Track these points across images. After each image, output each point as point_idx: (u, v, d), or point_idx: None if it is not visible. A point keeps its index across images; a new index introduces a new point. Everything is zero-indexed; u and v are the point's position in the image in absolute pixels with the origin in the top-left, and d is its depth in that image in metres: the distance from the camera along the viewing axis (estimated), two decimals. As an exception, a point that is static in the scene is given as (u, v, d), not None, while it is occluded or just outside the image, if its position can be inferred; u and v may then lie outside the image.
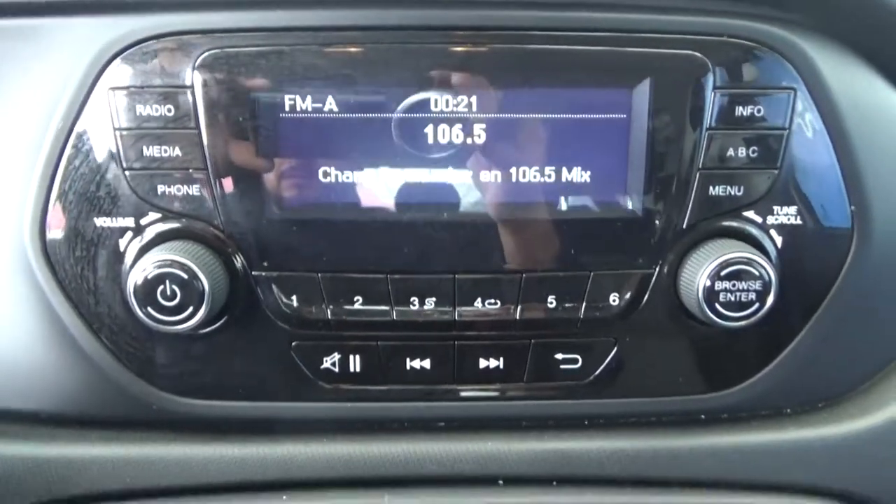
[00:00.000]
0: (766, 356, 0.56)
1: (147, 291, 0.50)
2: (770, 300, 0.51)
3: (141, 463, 0.57)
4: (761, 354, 0.56)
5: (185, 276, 0.50)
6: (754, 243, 0.53)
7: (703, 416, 0.59)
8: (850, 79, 0.55)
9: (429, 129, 0.53)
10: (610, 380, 0.56)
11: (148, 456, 0.57)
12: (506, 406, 0.57)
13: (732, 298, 0.52)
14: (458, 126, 0.53)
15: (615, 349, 0.55)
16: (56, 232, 0.53)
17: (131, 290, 0.51)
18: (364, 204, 0.53)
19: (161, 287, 0.50)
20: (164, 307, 0.51)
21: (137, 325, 0.54)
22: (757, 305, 0.52)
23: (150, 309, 0.51)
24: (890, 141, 0.56)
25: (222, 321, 0.54)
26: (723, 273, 0.51)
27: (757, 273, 0.51)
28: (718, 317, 0.52)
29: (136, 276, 0.50)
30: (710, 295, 0.52)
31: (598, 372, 0.56)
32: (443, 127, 0.53)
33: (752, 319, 0.52)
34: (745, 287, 0.52)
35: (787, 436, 0.58)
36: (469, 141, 0.53)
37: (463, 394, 0.57)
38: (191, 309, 0.51)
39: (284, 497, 0.57)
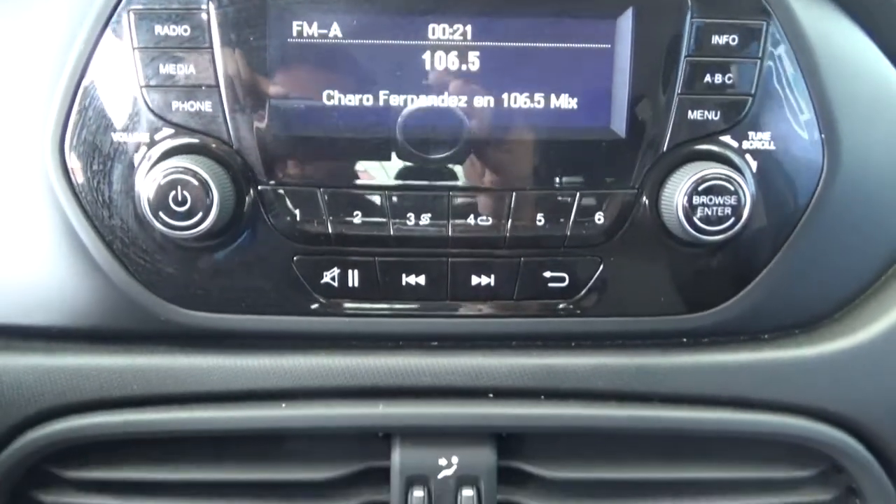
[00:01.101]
0: (743, 279, 0.59)
1: (160, 197, 0.54)
2: (745, 215, 0.55)
3: (147, 372, 0.59)
4: (738, 277, 0.59)
5: (195, 182, 0.53)
6: (730, 165, 0.56)
7: (684, 340, 0.62)
8: (820, 14, 0.59)
9: (426, 56, 0.57)
10: (595, 298, 0.59)
11: (154, 366, 0.59)
12: (496, 323, 0.60)
13: (710, 213, 0.55)
14: (454, 54, 0.57)
15: (600, 268, 0.58)
16: (74, 147, 0.57)
17: (145, 196, 0.54)
18: (365, 125, 0.56)
19: (173, 193, 0.54)
20: (175, 212, 0.54)
21: (148, 237, 0.57)
22: (732, 220, 0.55)
23: (161, 214, 0.54)
24: (857, 75, 0.60)
25: (228, 234, 0.57)
26: (700, 188, 0.55)
27: (732, 189, 0.55)
28: (697, 231, 0.55)
29: (149, 183, 0.54)
30: (689, 210, 0.55)
31: (584, 290, 0.59)
32: (439, 54, 0.57)
33: (729, 234, 0.55)
34: (722, 202, 0.55)
35: (764, 356, 0.60)
36: (464, 68, 0.57)
37: (456, 310, 0.60)
38: (200, 215, 0.54)
39: (283, 405, 0.59)
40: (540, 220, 0.58)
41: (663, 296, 0.60)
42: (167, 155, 0.55)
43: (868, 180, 0.60)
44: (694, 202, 0.55)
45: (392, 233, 0.57)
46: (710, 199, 0.55)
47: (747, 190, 0.55)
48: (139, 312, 0.59)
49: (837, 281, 0.62)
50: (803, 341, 0.62)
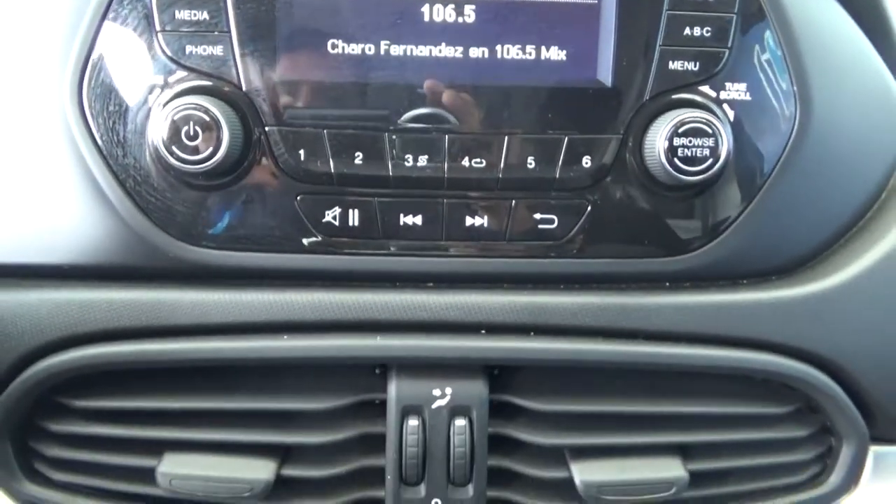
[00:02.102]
0: (722, 223, 0.63)
1: (173, 131, 0.57)
2: (723, 156, 0.58)
3: (155, 305, 0.62)
4: (717, 221, 0.63)
5: (206, 118, 0.57)
6: (709, 111, 0.60)
7: (667, 284, 0.65)
8: None
9: (425, 9, 0.60)
10: (583, 240, 0.62)
11: (161, 299, 0.62)
12: (489, 263, 0.63)
13: (689, 154, 0.59)
14: (451, 7, 0.61)
15: (588, 210, 0.62)
16: (92, 89, 0.60)
17: (158, 132, 0.57)
18: (366, 71, 0.60)
19: (185, 128, 0.57)
20: (187, 146, 0.57)
21: (160, 175, 0.61)
22: (711, 161, 0.58)
23: (174, 148, 0.57)
24: (827, 34, 0.64)
25: (235, 173, 0.60)
26: (680, 130, 0.58)
27: (710, 131, 0.58)
28: (678, 171, 0.59)
29: (163, 119, 0.57)
30: (670, 152, 0.59)
31: (571, 232, 0.62)
32: (437, 7, 0.61)
33: (708, 174, 0.59)
34: (700, 144, 0.59)
35: (743, 297, 0.64)
36: (460, 20, 0.61)
37: (450, 250, 0.63)
38: (210, 150, 0.57)
39: (285, 337, 0.62)
40: (531, 164, 0.61)
41: (647, 239, 0.63)
42: (180, 95, 0.59)
43: (840, 131, 0.64)
44: (674, 144, 0.59)
45: (391, 173, 0.61)
46: (690, 141, 0.59)
47: (724, 133, 0.59)
48: (149, 249, 0.62)
49: (812, 227, 0.66)
50: (780, 285, 0.65)
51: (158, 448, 0.63)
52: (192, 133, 0.57)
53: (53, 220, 0.64)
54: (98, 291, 0.63)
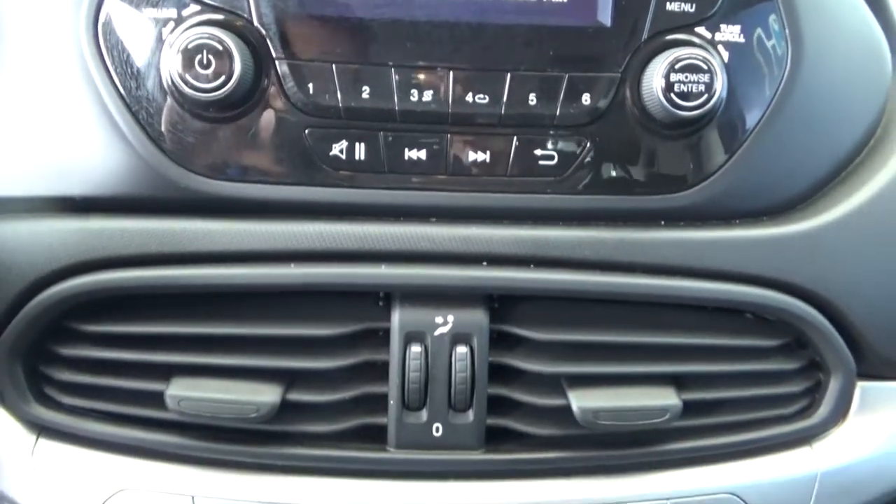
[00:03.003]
0: (717, 161, 0.65)
1: (186, 60, 0.59)
2: (718, 90, 0.60)
3: (165, 233, 0.64)
4: (712, 159, 0.65)
5: (219, 48, 0.59)
6: (704, 51, 0.62)
7: (662, 223, 0.67)
8: None
9: (432, -52, 0.63)
10: (581, 177, 0.64)
11: (171, 228, 0.64)
12: (490, 198, 0.65)
13: (685, 89, 0.61)
14: (456, -52, 0.63)
15: (587, 147, 0.64)
16: (107, 24, 0.62)
17: (172, 61, 0.59)
18: (375, 7, 0.62)
19: (198, 57, 0.59)
20: (199, 75, 0.59)
21: (172, 107, 0.62)
22: (706, 96, 0.61)
23: (187, 76, 0.59)
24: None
25: (245, 106, 0.62)
26: (676, 67, 0.61)
27: (705, 68, 0.61)
28: (674, 106, 0.61)
29: (176, 48, 0.59)
30: (666, 87, 0.61)
31: (571, 169, 0.64)
32: None
33: (703, 109, 0.61)
34: (696, 80, 0.61)
35: (736, 233, 0.66)
36: (466, -37, 0.64)
37: (453, 184, 0.65)
38: (222, 79, 0.59)
39: (292, 265, 0.64)
40: (532, 101, 0.63)
41: (643, 176, 0.65)
42: (193, 27, 0.61)
43: (831, 74, 0.67)
44: (671, 80, 0.61)
45: (397, 108, 0.63)
46: (686, 77, 0.61)
47: (719, 70, 0.61)
48: (160, 180, 0.64)
49: (805, 168, 0.68)
50: (773, 223, 0.67)
51: (167, 373, 0.65)
52: (205, 61, 0.59)
53: (67, 152, 0.65)
54: (109, 221, 0.65)
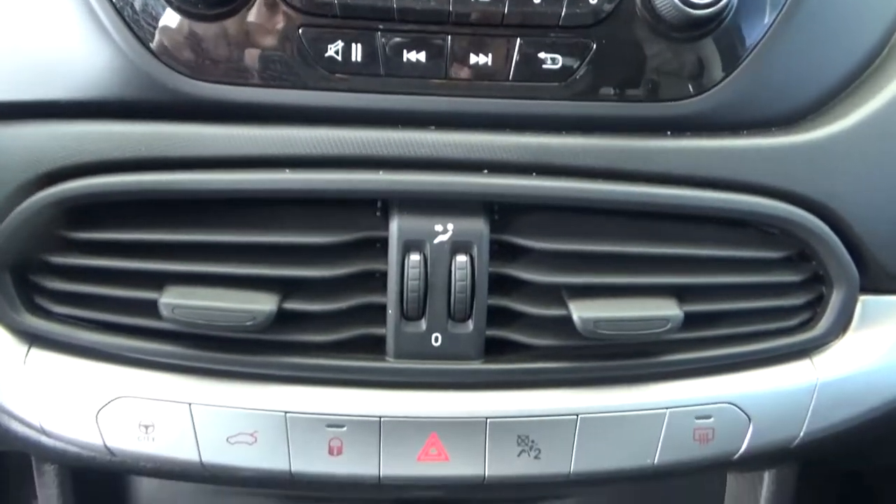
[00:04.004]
0: (724, 69, 0.62)
1: None
2: None
3: (154, 136, 0.62)
4: (719, 67, 0.62)
5: None
6: None
7: (668, 133, 0.66)
8: None
9: None
10: (586, 81, 0.62)
11: (161, 131, 0.62)
12: (491, 103, 0.63)
13: None
14: None
15: (592, 50, 0.61)
16: None
17: None
18: None
19: None
20: None
21: (160, 4, 0.59)
22: None
23: None
24: None
25: (237, 1, 0.59)
26: None
27: None
28: (685, 3, 0.58)
29: None
30: None
31: (575, 72, 0.62)
32: None
33: (716, 7, 0.58)
34: None
35: (743, 142, 0.64)
36: None
37: (453, 88, 0.62)
38: None
39: (287, 171, 0.62)
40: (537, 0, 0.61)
41: (650, 82, 0.63)
42: None
43: None
44: None
45: (395, 5, 0.59)
46: None
47: None
48: (147, 82, 0.61)
49: (814, 77, 0.66)
50: (780, 133, 0.65)
51: (160, 281, 0.63)
52: None
53: (50, 54, 0.62)
54: (96, 125, 0.62)
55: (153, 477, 0.88)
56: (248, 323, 0.61)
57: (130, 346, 0.65)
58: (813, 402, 0.70)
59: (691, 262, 0.66)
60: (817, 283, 0.69)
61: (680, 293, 0.66)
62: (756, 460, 0.77)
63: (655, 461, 0.70)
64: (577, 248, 0.64)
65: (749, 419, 0.70)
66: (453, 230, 0.63)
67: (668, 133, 0.65)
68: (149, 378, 0.66)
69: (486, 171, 0.63)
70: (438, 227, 0.63)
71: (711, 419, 0.69)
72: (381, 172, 0.62)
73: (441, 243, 0.63)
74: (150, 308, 0.63)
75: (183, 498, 0.96)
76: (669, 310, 0.64)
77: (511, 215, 0.66)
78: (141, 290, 0.64)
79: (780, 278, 0.68)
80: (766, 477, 0.91)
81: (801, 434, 0.72)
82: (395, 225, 0.63)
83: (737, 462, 0.73)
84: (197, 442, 0.67)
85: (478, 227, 0.64)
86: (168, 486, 0.95)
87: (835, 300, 0.68)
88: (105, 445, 0.68)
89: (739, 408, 0.69)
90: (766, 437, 0.71)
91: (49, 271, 0.65)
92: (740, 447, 0.71)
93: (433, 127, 0.64)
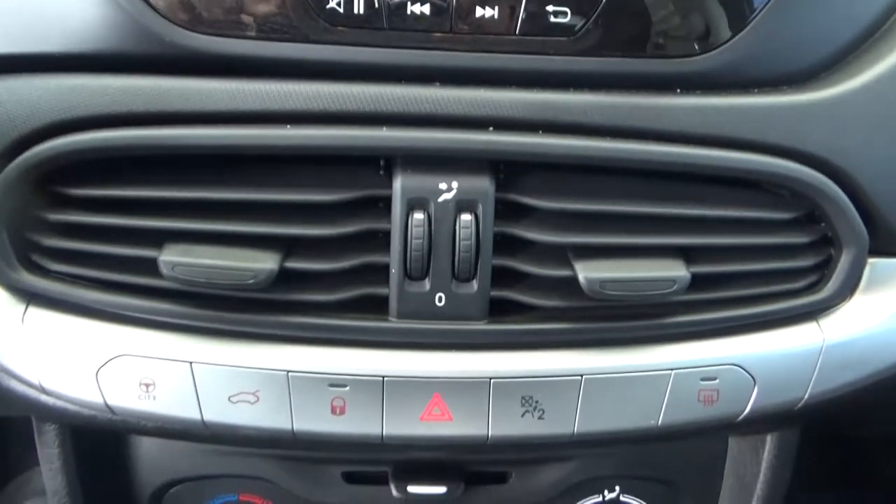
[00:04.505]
0: (736, 25, 0.61)
1: None
2: None
3: (151, 91, 0.60)
4: (731, 23, 0.61)
5: None
6: None
7: (678, 90, 0.64)
8: None
9: None
10: (595, 36, 0.60)
11: (158, 86, 0.60)
12: (497, 58, 0.61)
13: None
14: None
15: (602, 4, 0.59)
16: None
17: None
18: None
19: None
20: None
21: None
22: None
23: None
24: None
25: None
26: None
27: None
28: None
29: None
30: None
31: (584, 27, 0.60)
32: None
33: None
34: None
35: (753, 100, 0.63)
36: None
37: (458, 43, 0.60)
38: None
39: (288, 126, 0.61)
40: None
41: (660, 37, 0.61)
42: None
43: None
44: None
45: None
46: None
47: None
48: (143, 34, 0.60)
49: (826, 34, 0.64)
50: (791, 91, 0.64)
51: (159, 239, 0.62)
52: None
53: (43, 5, 0.61)
54: (92, 78, 0.60)
55: (154, 436, 0.88)
56: (250, 281, 0.60)
57: (130, 305, 0.65)
58: (818, 365, 0.69)
59: (699, 222, 0.65)
60: (826, 244, 0.68)
61: (687, 254, 0.66)
62: (759, 423, 0.76)
63: (659, 422, 0.70)
64: (583, 207, 0.63)
65: (754, 381, 0.69)
66: (458, 188, 0.62)
67: (678, 91, 0.64)
68: (149, 337, 0.65)
69: (491, 128, 0.62)
70: (443, 186, 0.62)
71: (716, 381, 0.69)
72: (384, 129, 0.61)
73: (445, 202, 0.62)
74: (151, 267, 0.62)
75: (183, 460, 0.96)
76: (676, 270, 0.63)
77: (517, 174, 0.64)
78: (140, 247, 0.62)
79: (789, 240, 0.67)
80: (769, 440, 0.91)
81: (806, 396, 0.71)
82: (398, 183, 0.62)
83: (740, 424, 0.73)
84: (198, 401, 0.66)
85: (483, 185, 0.62)
86: (168, 447, 0.95)
87: (843, 262, 0.67)
88: (105, 404, 0.67)
89: (745, 369, 0.68)
90: (771, 399, 0.71)
91: (46, 229, 0.64)
92: (744, 409, 0.71)
93: (437, 83, 0.62)
